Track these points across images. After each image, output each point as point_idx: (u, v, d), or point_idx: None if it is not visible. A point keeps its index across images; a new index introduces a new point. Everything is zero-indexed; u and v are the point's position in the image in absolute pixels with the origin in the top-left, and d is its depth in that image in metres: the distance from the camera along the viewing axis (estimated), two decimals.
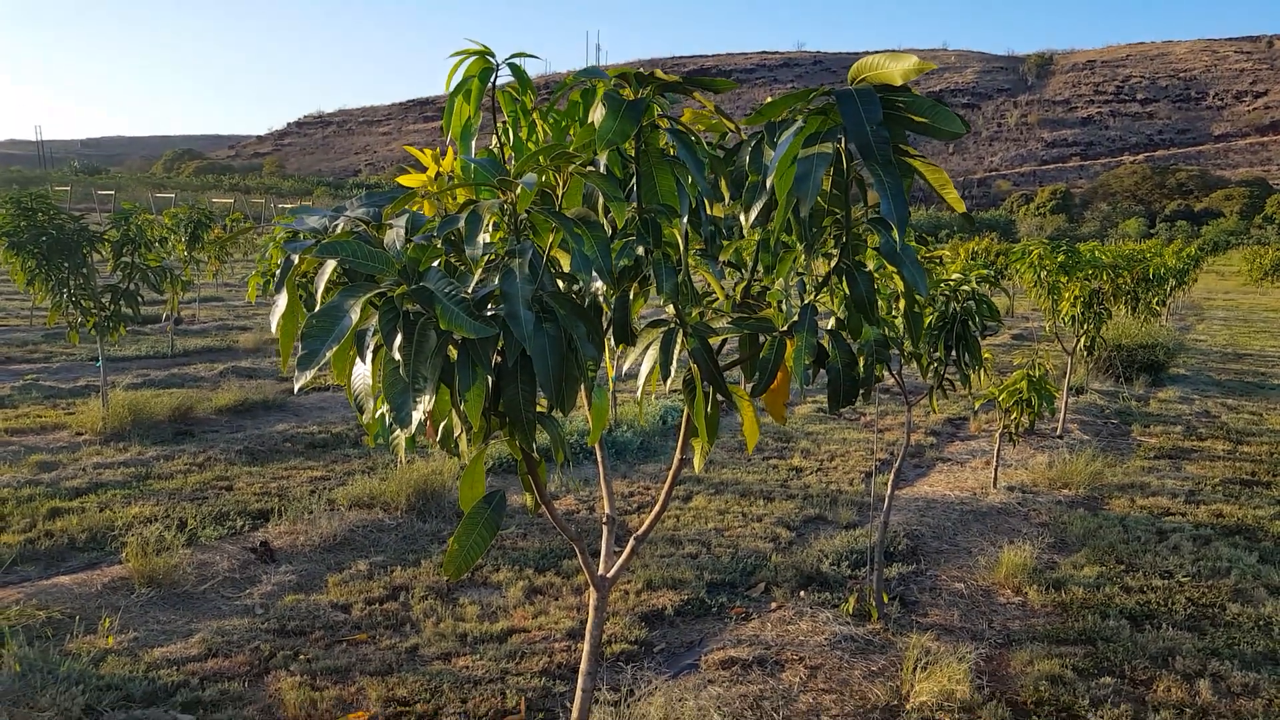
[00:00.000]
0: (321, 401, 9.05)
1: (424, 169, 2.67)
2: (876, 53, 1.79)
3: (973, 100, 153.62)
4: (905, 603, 4.62)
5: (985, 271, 4.56)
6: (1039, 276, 8.50)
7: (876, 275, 3.60)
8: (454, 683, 3.69)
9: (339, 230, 1.99)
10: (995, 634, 4.34)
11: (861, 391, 2.28)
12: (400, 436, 2.09)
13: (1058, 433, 8.47)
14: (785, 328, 2.17)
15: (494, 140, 2.61)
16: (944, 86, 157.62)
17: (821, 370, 2.19)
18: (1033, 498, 6.49)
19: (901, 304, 3.67)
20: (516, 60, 2.47)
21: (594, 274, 1.82)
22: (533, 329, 1.72)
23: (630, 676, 3.70)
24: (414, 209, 2.07)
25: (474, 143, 2.53)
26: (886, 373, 4.53)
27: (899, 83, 1.72)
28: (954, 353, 4.51)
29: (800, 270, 2.25)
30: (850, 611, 4.38)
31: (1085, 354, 9.28)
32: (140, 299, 7.87)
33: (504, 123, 2.56)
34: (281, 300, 1.97)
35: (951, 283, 4.54)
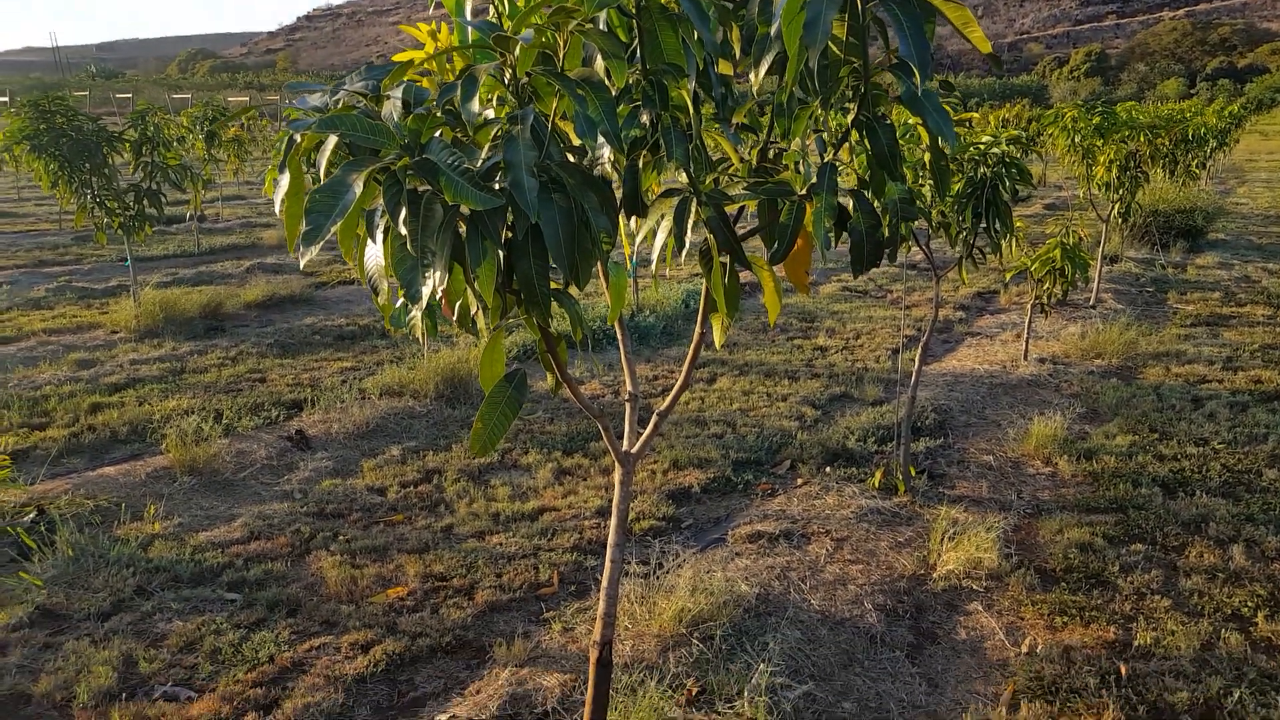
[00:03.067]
0: (348, 295, 9.08)
1: (422, 47, 2.57)
2: None
3: None
4: (932, 476, 4.65)
5: (1016, 133, 4.38)
6: (1073, 141, 8.18)
7: (900, 131, 3.45)
8: (488, 558, 3.80)
9: (339, 106, 1.93)
10: (1024, 504, 4.36)
11: (887, 252, 2.21)
12: (416, 316, 2.08)
13: (1091, 303, 8.31)
14: (804, 190, 2.08)
15: (491, 11, 2.49)
16: None
17: (845, 234, 2.12)
18: (1064, 369, 6.42)
19: (928, 159, 3.54)
20: None
21: (600, 139, 1.74)
22: (537, 197, 1.67)
23: (659, 550, 3.78)
24: (417, 84, 2.00)
25: (469, 14, 2.42)
26: (914, 246, 4.43)
27: None
28: (984, 220, 4.38)
29: (818, 128, 2.15)
30: (877, 486, 4.42)
31: (1120, 221, 9.01)
32: (163, 198, 7.86)
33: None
34: (284, 180, 1.92)
35: (981, 146, 4.37)
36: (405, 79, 1.94)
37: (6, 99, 27.82)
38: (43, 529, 3.94)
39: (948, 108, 4.70)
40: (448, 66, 2.36)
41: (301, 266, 1.74)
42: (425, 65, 2.48)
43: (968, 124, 4.95)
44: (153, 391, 5.97)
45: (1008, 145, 4.26)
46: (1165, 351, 6.78)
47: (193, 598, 3.53)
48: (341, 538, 4.01)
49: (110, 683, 3.01)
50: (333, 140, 1.83)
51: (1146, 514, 4.14)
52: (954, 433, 5.25)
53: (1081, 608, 3.43)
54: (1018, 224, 6.91)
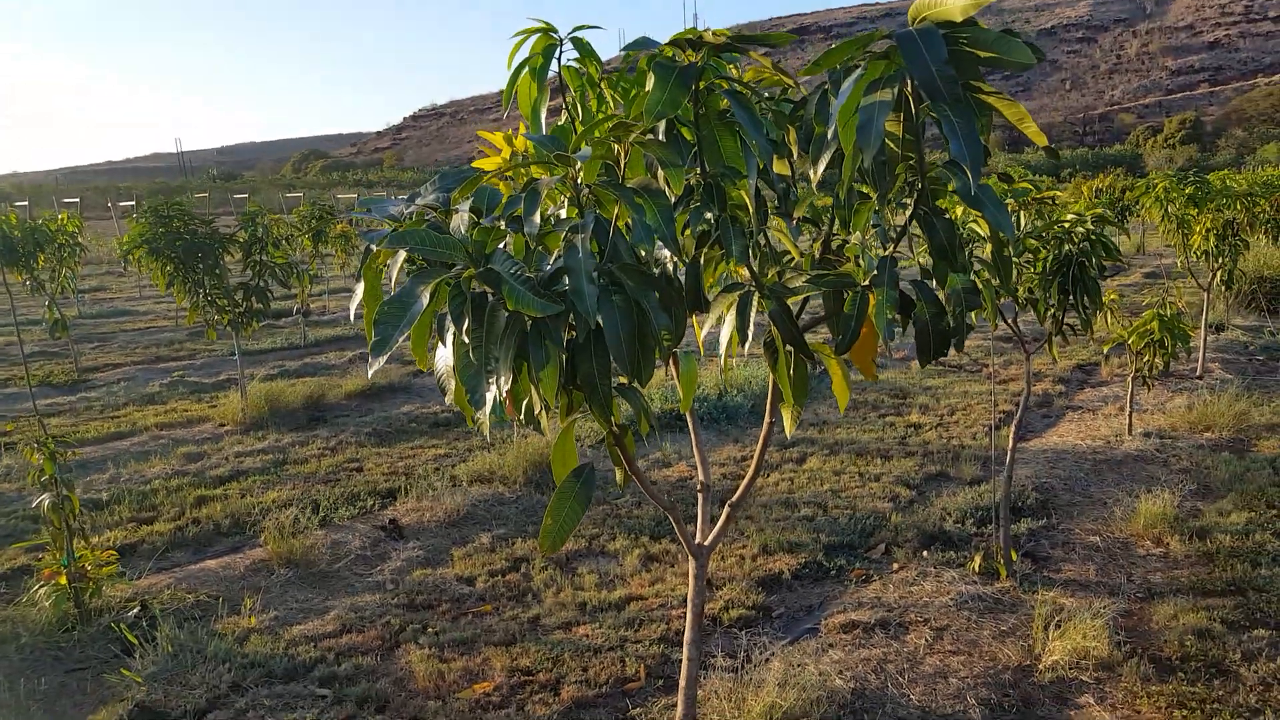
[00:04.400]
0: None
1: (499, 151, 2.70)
2: None
3: (1088, 33, 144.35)
4: (1036, 559, 4.44)
5: (1101, 210, 4.27)
6: (1166, 211, 7.94)
7: (963, 220, 3.42)
8: (574, 651, 3.77)
9: (412, 218, 2.03)
10: (1134, 588, 4.12)
11: (954, 341, 2.18)
12: (484, 416, 2.13)
13: (1197, 373, 7.92)
14: (866, 282, 2.09)
15: (563, 116, 2.60)
16: (1055, 22, 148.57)
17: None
18: (1172, 443, 6.11)
19: (988, 251, 3.49)
20: (579, 34, 2.46)
21: (658, 242, 1.79)
22: (596, 302, 1.71)
23: (746, 642, 3.70)
24: (501, 190, 2.09)
25: (544, 119, 2.53)
26: (1002, 321, 4.33)
27: (959, 19, 1.63)
28: (1071, 296, 4.25)
29: (877, 222, 2.16)
30: (977, 570, 4.24)
31: (1223, 289, 8.63)
32: (269, 294, 8.31)
33: (571, 97, 2.55)
34: (359, 289, 2.02)
35: (1066, 223, 4.27)
36: (476, 188, 2.04)
37: (134, 203, 30.06)
38: (144, 625, 4.09)
39: (1027, 184, 4.64)
40: (522, 172, 2.47)
41: (370, 375, 1.81)
42: (505, 172, 2.61)
43: (1051, 200, 4.86)
44: (255, 483, 6.22)
45: (1093, 223, 4.16)
46: None
47: (285, 694, 3.60)
48: (430, 630, 4.05)
49: None
50: (402, 254, 1.93)
51: (1268, 596, 3.86)
52: (1057, 512, 5.03)
53: (1202, 700, 3.19)
54: (1111, 295, 6.70)
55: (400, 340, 1.71)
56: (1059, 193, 4.53)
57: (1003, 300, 4.25)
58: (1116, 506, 5.03)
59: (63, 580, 4.17)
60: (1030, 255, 4.24)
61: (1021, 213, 4.41)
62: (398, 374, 9.45)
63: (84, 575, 4.22)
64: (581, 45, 2.47)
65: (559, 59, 2.47)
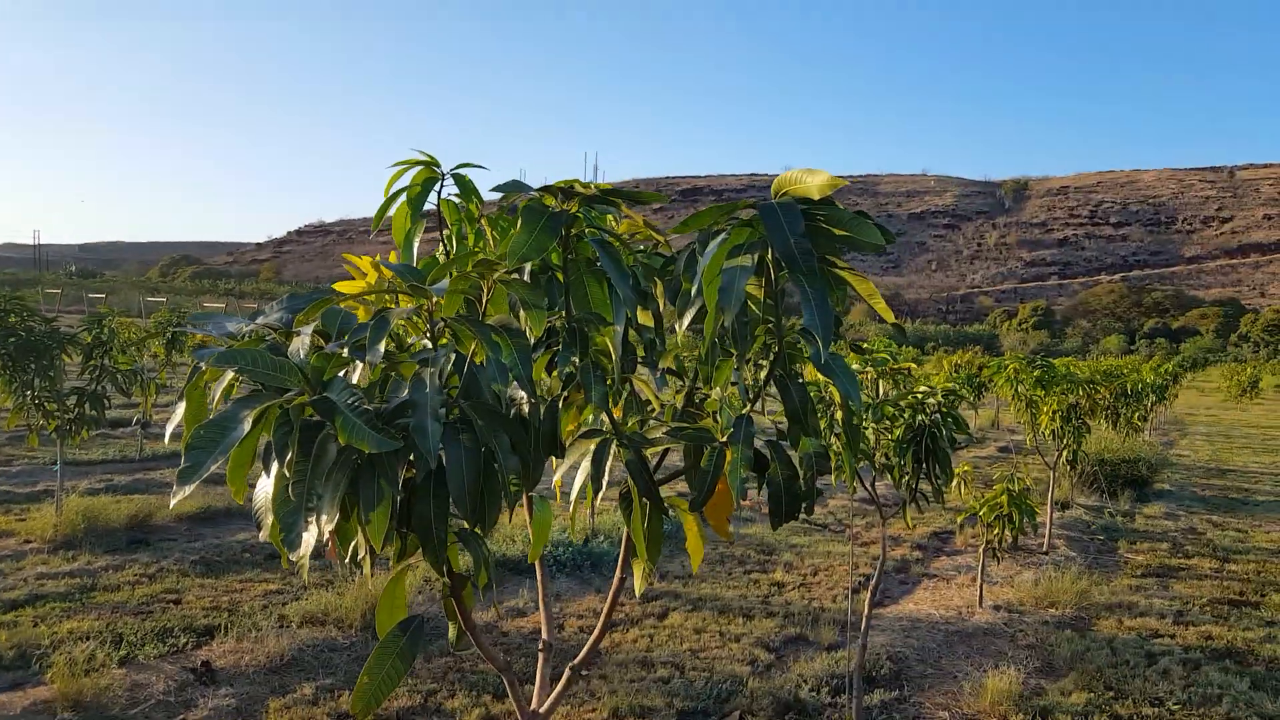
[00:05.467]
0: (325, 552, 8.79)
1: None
2: (797, 170, 1.79)
3: (953, 221, 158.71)
4: None
5: (951, 385, 4.47)
6: (1016, 390, 8.45)
7: (825, 384, 3.50)
8: None
9: (247, 337, 1.89)
10: None
11: (805, 505, 2.15)
12: (304, 556, 1.93)
13: (1044, 548, 8.25)
14: (724, 438, 2.05)
15: (439, 249, 2.55)
16: (925, 208, 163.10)
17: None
18: (1019, 617, 6.24)
19: (839, 417, 3.56)
20: (462, 170, 2.45)
21: (514, 382, 1.71)
22: (439, 440, 1.59)
23: None
24: (359, 315, 1.98)
25: (416, 249, 2.47)
26: (860, 485, 4.39)
27: (816, 196, 1.70)
28: (925, 464, 4.38)
29: (735, 380, 2.15)
30: None
31: (1068, 468, 9.14)
32: (106, 401, 7.73)
33: (449, 231, 2.51)
34: (180, 409, 1.84)
35: (920, 394, 4.45)
36: (324, 311, 1.92)
37: None
38: None
39: (885, 354, 4.83)
40: (386, 298, 2.37)
41: (172, 505, 1.62)
42: (366, 297, 2.49)
43: (906, 372, 5.08)
44: (54, 610, 5.55)
45: (944, 397, 4.33)
46: (1118, 602, 6.65)
47: None
48: None
49: None
50: (229, 373, 1.77)
51: None
52: (910, 684, 4.99)
53: None
54: (965, 467, 6.98)
55: (214, 468, 1.54)
56: (916, 365, 4.72)
57: (861, 464, 4.34)
58: (965, 681, 5.04)
59: None
60: (889, 421, 4.36)
61: (880, 381, 4.57)
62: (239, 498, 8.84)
63: None
64: (463, 182, 2.45)
65: (439, 192, 2.43)
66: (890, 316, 1.82)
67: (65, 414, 7.38)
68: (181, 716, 4.28)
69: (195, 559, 6.80)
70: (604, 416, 2.08)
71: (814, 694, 4.70)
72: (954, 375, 12.99)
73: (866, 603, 4.24)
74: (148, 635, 5.15)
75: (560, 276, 2.03)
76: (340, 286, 2.51)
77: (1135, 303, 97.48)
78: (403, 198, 2.42)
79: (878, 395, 4.51)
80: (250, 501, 1.83)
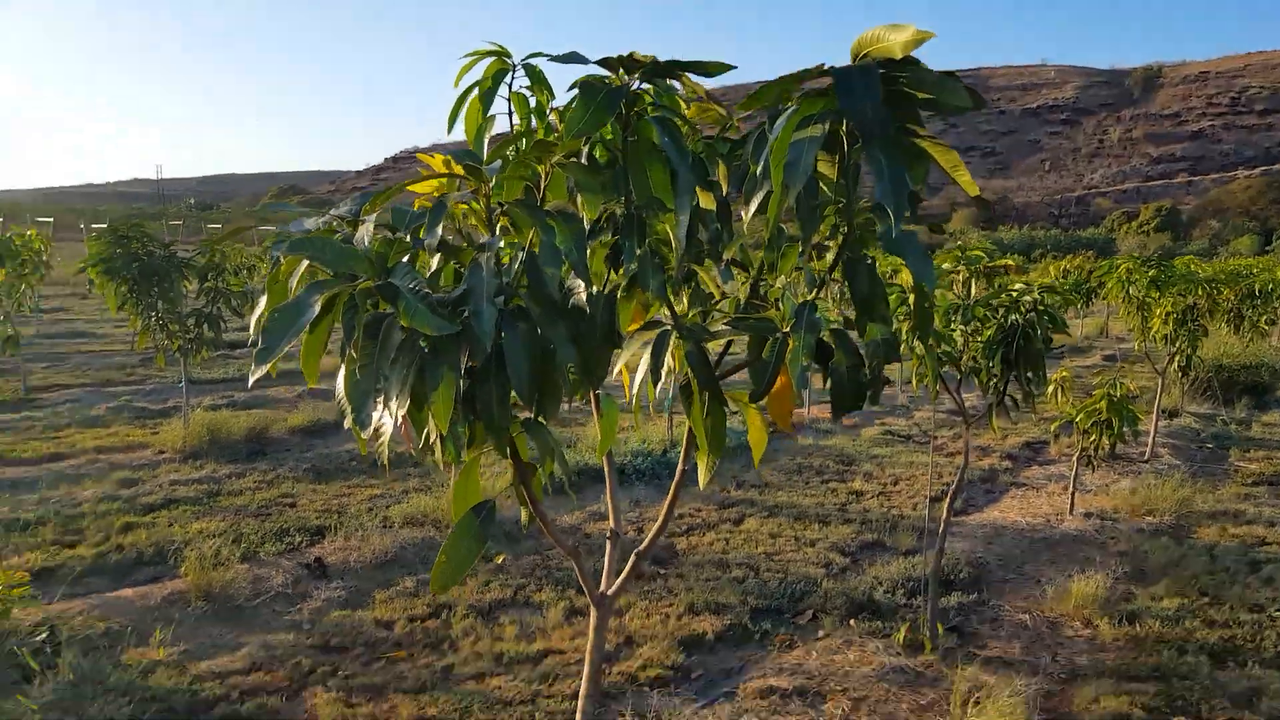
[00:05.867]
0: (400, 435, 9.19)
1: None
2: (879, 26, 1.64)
3: (1072, 116, 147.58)
4: (963, 633, 4.37)
5: (1051, 280, 4.30)
6: (1128, 293, 8.05)
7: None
8: (484, 703, 3.63)
9: (319, 229, 1.98)
10: (1059, 668, 4.06)
11: (870, 394, 2.14)
12: (383, 443, 2.05)
13: (1145, 457, 7.98)
14: (788, 328, 2.04)
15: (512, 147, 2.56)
16: (1041, 103, 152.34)
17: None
18: (1112, 525, 6.10)
19: (911, 301, 3.46)
20: (533, 60, 2.42)
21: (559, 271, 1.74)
22: (493, 325, 1.65)
23: (658, 703, 3.58)
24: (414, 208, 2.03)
25: (486, 145, 2.48)
26: (944, 391, 4.32)
27: (899, 55, 1.57)
28: (1015, 369, 4.25)
29: (801, 266, 2.13)
30: (902, 641, 4.16)
31: (1179, 375, 8.74)
32: (223, 323, 8.17)
33: (518, 126, 2.51)
34: (262, 301, 1.95)
35: (1014, 293, 4.30)
36: (390, 204, 1.99)
37: (106, 226, 29.73)
38: (48, 651, 3.90)
39: (980, 252, 4.64)
40: (448, 185, 2.41)
41: (249, 384, 1.74)
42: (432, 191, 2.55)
43: (1004, 270, 4.92)
44: (185, 513, 6.02)
45: (1040, 293, 4.18)
46: (1222, 510, 6.41)
47: None
48: (341, 673, 3.89)
49: None
50: (304, 264, 1.87)
51: (1192, 684, 3.82)
52: (989, 588, 4.98)
53: None
54: (1063, 373, 6.75)
55: (283, 349, 1.64)
56: (1008, 260, 4.55)
57: (945, 368, 4.26)
58: (1049, 585, 4.98)
59: None
60: (978, 324, 4.23)
61: (973, 281, 4.43)
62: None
63: None
64: (533, 72, 2.42)
65: (510, 85, 2.42)
66: (974, 190, 1.73)
67: (186, 335, 7.85)
68: (299, 605, 4.63)
69: (307, 467, 7.23)
70: (663, 310, 2.09)
71: (888, 595, 4.74)
72: (1059, 281, 12.45)
73: (946, 506, 4.22)
74: (266, 535, 5.54)
75: (620, 160, 2.01)
76: (412, 187, 2.58)
77: (1275, 199, 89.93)
78: (475, 93, 2.42)
79: (968, 297, 4.38)
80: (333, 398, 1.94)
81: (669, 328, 2.04)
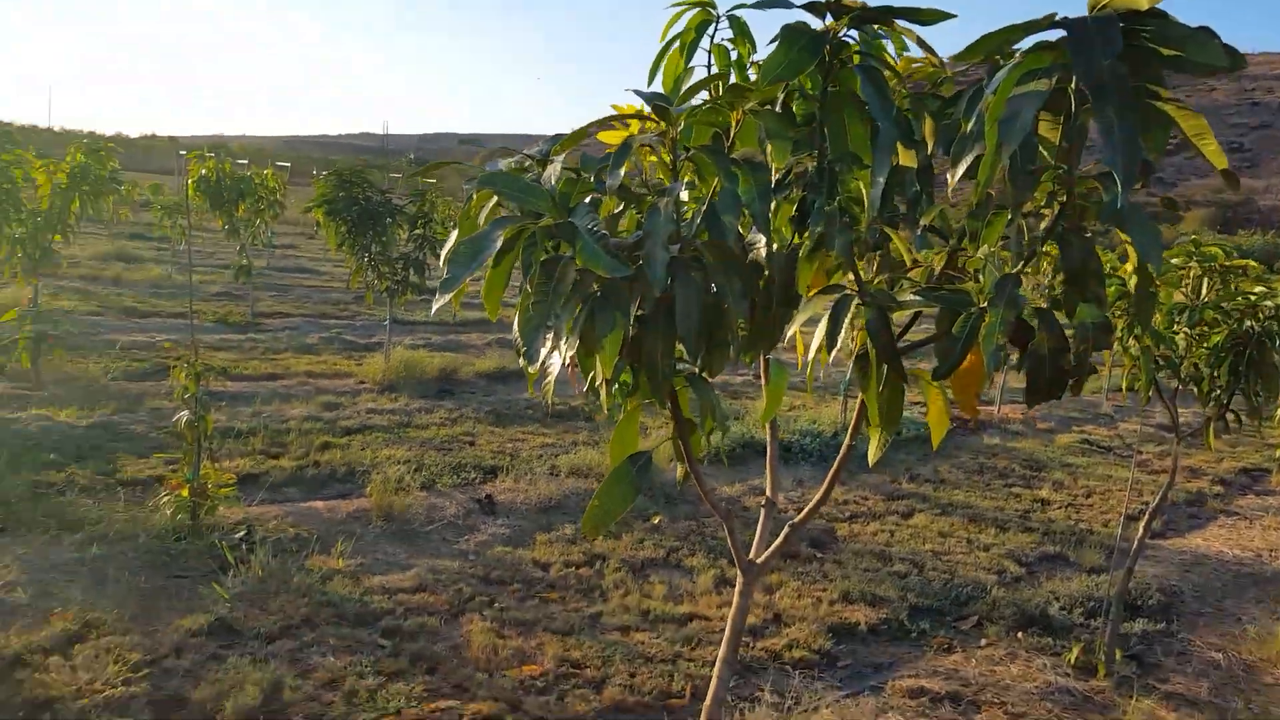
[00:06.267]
0: (567, 377, 9.47)
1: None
2: None
3: None
4: (1143, 663, 4.01)
5: None
6: None
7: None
8: (626, 655, 3.68)
9: (510, 167, 2.01)
10: (1251, 716, 3.64)
11: (1071, 384, 1.94)
12: (549, 382, 2.07)
13: None
14: (984, 303, 1.88)
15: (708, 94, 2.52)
16: None
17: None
18: None
19: (1132, 283, 3.11)
20: (738, 11, 2.36)
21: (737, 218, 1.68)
22: (664, 269, 1.62)
23: (799, 685, 3.49)
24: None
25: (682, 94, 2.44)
26: (1157, 399, 3.93)
27: (1144, 5, 1.41)
28: (1244, 380, 3.80)
29: (1009, 235, 1.95)
30: (1073, 662, 3.87)
31: None
32: (427, 268, 8.66)
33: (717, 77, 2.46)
34: (453, 235, 2.01)
35: (1253, 296, 3.83)
36: (577, 144, 1.99)
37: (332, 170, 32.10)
38: (244, 548, 4.29)
39: (1216, 249, 4.17)
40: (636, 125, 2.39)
41: (433, 311, 1.79)
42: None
43: (1242, 270, 4.39)
44: (376, 439, 6.44)
45: None
46: None
47: (349, 637, 3.66)
48: (496, 605, 4.05)
49: (255, 702, 3.13)
50: (492, 200, 1.91)
51: None
52: (1180, 619, 4.54)
53: None
54: None
55: (465, 280, 1.67)
56: (1249, 262, 4.04)
57: (1161, 374, 3.87)
58: (1251, 625, 4.49)
59: (184, 493, 4.43)
60: (1206, 328, 3.82)
61: (1205, 281, 3.99)
62: None
63: (204, 492, 4.48)
64: (737, 24, 2.36)
65: (713, 36, 2.38)
66: (1222, 162, 1.52)
67: (394, 277, 8.40)
68: (466, 537, 4.86)
69: (488, 410, 7.57)
70: (848, 275, 1.99)
71: (1064, 612, 4.41)
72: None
73: (1143, 525, 3.87)
74: (445, 468, 5.85)
75: (817, 115, 1.91)
76: (603, 136, 2.59)
77: None
78: (676, 45, 2.39)
79: (1198, 298, 3.95)
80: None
81: (851, 293, 1.94)
